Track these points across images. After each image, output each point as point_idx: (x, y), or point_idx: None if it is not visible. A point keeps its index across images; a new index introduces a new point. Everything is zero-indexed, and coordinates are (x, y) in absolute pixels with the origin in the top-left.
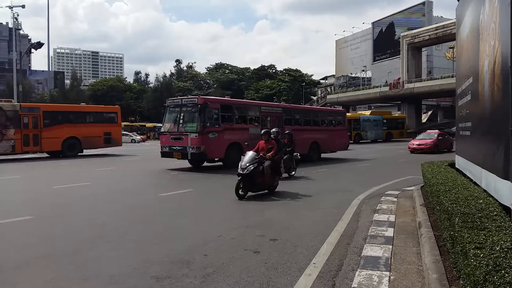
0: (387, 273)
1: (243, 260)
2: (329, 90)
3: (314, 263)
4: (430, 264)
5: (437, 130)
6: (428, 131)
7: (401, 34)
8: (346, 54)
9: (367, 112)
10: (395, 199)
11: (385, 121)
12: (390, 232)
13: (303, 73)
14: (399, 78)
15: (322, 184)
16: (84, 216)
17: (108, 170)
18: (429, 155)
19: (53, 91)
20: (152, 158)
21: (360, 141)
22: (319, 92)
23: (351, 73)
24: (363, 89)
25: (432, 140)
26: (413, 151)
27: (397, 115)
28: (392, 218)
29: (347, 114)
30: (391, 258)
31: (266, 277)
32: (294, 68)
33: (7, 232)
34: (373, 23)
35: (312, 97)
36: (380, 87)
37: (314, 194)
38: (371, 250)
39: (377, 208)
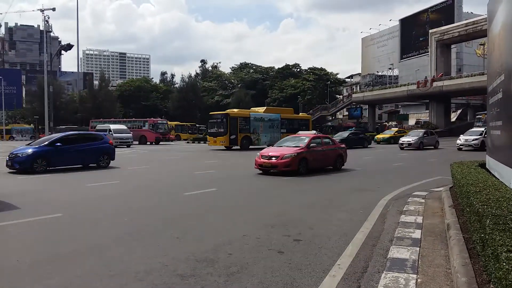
0: (414, 275)
1: (267, 260)
2: (354, 88)
3: (338, 264)
4: (459, 267)
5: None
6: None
7: (430, 31)
8: (373, 52)
9: (261, 109)
10: (423, 200)
11: (284, 121)
12: (417, 234)
13: (328, 72)
14: (438, 75)
15: (348, 183)
16: (113, 212)
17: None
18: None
19: (83, 92)
20: None
21: (250, 147)
22: (345, 91)
23: (378, 71)
24: (390, 88)
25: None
26: None
27: (301, 115)
28: (419, 219)
29: (228, 111)
30: (418, 261)
31: (290, 277)
32: (319, 67)
33: (39, 228)
34: (400, 20)
35: (338, 96)
36: (408, 85)
37: (340, 194)
38: (398, 252)
39: (404, 209)
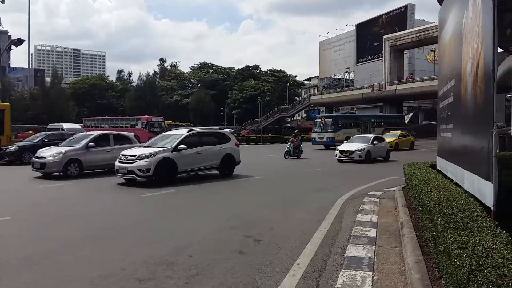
0: (370, 273)
1: (227, 261)
2: (313, 91)
3: (298, 264)
4: (412, 264)
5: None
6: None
7: (384, 37)
8: (330, 55)
9: None
10: (378, 200)
11: None
12: (373, 232)
13: (287, 74)
14: (407, 77)
15: (306, 184)
16: (68, 216)
17: None
18: None
19: (33, 88)
20: None
21: None
22: (303, 93)
23: (335, 75)
24: (346, 91)
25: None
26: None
27: None
28: (374, 218)
29: None
30: (374, 259)
31: (251, 278)
32: (279, 69)
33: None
34: (356, 25)
35: (296, 98)
36: (363, 88)
37: (298, 194)
38: (355, 251)
39: (360, 208)
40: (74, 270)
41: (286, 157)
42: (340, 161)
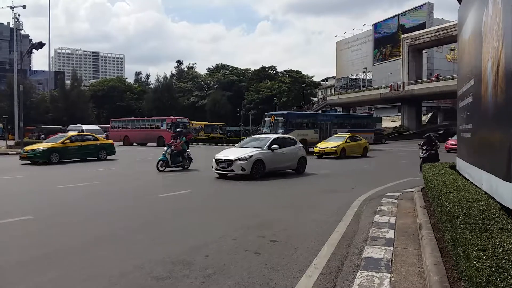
0: (388, 274)
1: (244, 261)
2: (329, 91)
3: (314, 265)
4: (431, 266)
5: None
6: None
7: (402, 36)
8: (347, 55)
9: None
10: (396, 201)
11: None
12: (391, 233)
13: (303, 75)
14: (434, 76)
15: (321, 184)
16: (87, 215)
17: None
18: None
19: (54, 91)
20: None
21: None
22: (320, 94)
23: (352, 75)
24: (363, 91)
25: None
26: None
27: None
28: (392, 219)
29: None
30: (392, 260)
31: (267, 278)
32: (295, 69)
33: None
34: (374, 25)
35: (313, 98)
36: (381, 88)
37: (315, 195)
38: (372, 252)
39: (378, 209)
40: (93, 268)
41: (161, 169)
42: (220, 176)
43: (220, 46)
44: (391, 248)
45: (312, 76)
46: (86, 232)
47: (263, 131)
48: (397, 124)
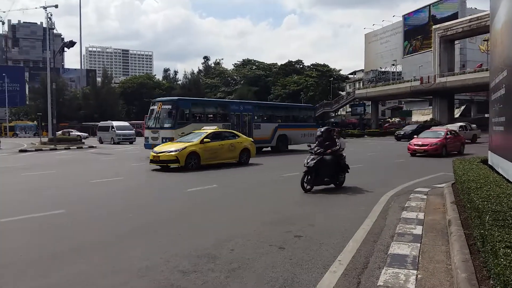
0: (415, 271)
1: (268, 256)
2: (357, 85)
3: (339, 260)
4: (459, 263)
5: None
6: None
7: (433, 27)
8: (376, 48)
9: None
10: (425, 197)
11: None
12: (418, 230)
13: (331, 68)
14: (476, 66)
15: (349, 180)
16: (116, 209)
17: None
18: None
19: (85, 88)
20: None
21: None
22: (348, 87)
23: (381, 68)
24: (393, 84)
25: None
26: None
27: None
28: (421, 215)
29: None
30: (419, 257)
31: (291, 273)
32: (322, 63)
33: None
34: (404, 16)
35: (341, 92)
36: (411, 81)
37: (341, 190)
38: (398, 248)
39: (406, 205)
40: (121, 261)
41: None
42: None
43: (246, 41)
44: (419, 245)
45: (340, 70)
46: (115, 226)
47: (147, 125)
48: (428, 117)
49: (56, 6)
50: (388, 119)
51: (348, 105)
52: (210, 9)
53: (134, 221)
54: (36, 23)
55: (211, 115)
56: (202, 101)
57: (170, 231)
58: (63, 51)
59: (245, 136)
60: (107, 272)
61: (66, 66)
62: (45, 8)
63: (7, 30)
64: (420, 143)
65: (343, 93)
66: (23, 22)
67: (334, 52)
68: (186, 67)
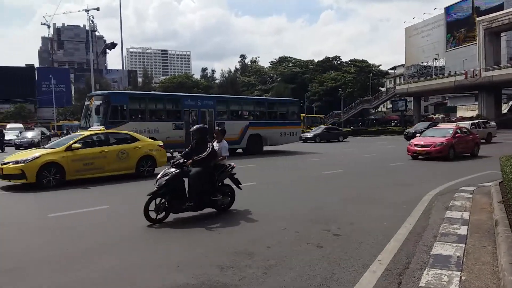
0: (458, 273)
1: (305, 254)
2: (398, 80)
3: (379, 260)
4: (506, 265)
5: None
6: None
7: (477, 19)
8: (417, 42)
9: None
10: (471, 196)
11: None
12: (463, 230)
13: (369, 64)
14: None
15: (389, 177)
16: None
17: None
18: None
19: (127, 88)
20: None
21: None
22: (388, 83)
23: (422, 62)
24: (436, 79)
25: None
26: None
27: None
28: (466, 215)
29: None
30: (463, 258)
31: (329, 272)
32: (360, 59)
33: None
34: (446, 8)
35: (380, 88)
36: (455, 75)
37: (382, 189)
38: (442, 249)
39: (450, 204)
40: (159, 255)
41: None
42: None
43: (282, 38)
44: (463, 245)
45: (379, 65)
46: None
47: (80, 124)
48: (474, 113)
49: (98, 9)
50: (431, 115)
51: (388, 101)
52: (246, 7)
53: (173, 215)
54: (79, 26)
55: (158, 112)
56: (144, 95)
57: (207, 227)
58: (106, 52)
59: (150, 140)
60: (145, 266)
61: (109, 67)
62: (87, 11)
63: (52, 33)
64: (422, 143)
65: (383, 89)
66: (67, 25)
67: (373, 47)
68: (223, 66)
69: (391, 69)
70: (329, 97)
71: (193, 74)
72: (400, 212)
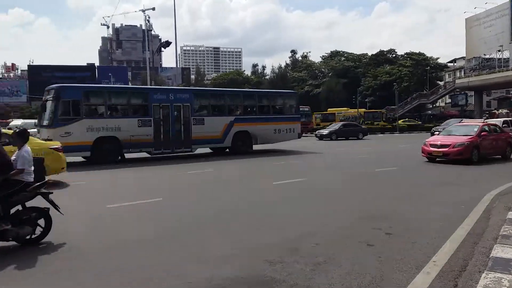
0: None
1: (355, 252)
2: (458, 74)
3: (434, 261)
4: None
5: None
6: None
7: None
8: (478, 33)
9: None
10: None
11: None
12: None
13: (427, 57)
14: None
15: (449, 176)
16: (206, 198)
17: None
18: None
19: (181, 85)
20: None
21: None
22: (447, 77)
23: (484, 54)
24: (499, 72)
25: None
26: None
27: None
28: None
29: None
30: None
31: (379, 271)
32: (417, 52)
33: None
34: None
35: (438, 82)
36: None
37: (437, 187)
38: (502, 252)
39: None
40: (206, 248)
41: None
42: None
43: (334, 33)
44: None
45: (437, 58)
46: (205, 213)
47: (35, 123)
48: None
49: (154, 9)
50: (494, 110)
51: (447, 96)
52: (297, 1)
53: (219, 210)
54: (136, 26)
55: (120, 108)
56: (103, 88)
57: (257, 221)
58: (161, 51)
59: (39, 141)
60: (193, 257)
61: (164, 65)
62: (143, 11)
63: (111, 33)
64: (438, 143)
65: (441, 83)
66: (125, 25)
67: (430, 39)
68: (273, 62)
69: (450, 62)
70: (383, 92)
71: (244, 71)
72: (458, 212)
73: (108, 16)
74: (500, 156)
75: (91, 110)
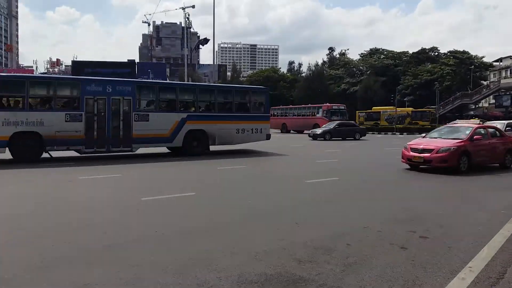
0: None
1: (387, 254)
2: (504, 73)
3: (470, 267)
4: None
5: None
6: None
7: None
8: None
9: None
10: None
11: None
12: None
13: (471, 55)
14: None
15: (487, 180)
16: (241, 195)
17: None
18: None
19: (217, 82)
20: None
21: None
22: (492, 76)
23: None
24: None
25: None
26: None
27: None
28: None
29: None
30: None
31: (412, 275)
32: (461, 50)
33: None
34: None
35: (483, 82)
36: None
37: (477, 192)
38: None
39: None
40: (240, 244)
41: None
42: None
43: (375, 30)
44: None
45: (483, 57)
46: (237, 210)
47: None
48: None
49: (193, 7)
50: None
51: (491, 96)
52: None
53: (256, 206)
54: (176, 23)
55: (44, 100)
56: (23, 77)
57: (289, 219)
58: (199, 48)
59: None
60: (227, 252)
61: (201, 62)
62: (183, 9)
63: (151, 30)
64: (421, 147)
65: (485, 83)
66: (165, 23)
67: (477, 37)
68: (310, 59)
69: (496, 61)
70: (423, 91)
71: (280, 68)
72: (498, 217)
73: (150, 14)
74: (498, 164)
75: (9, 101)
